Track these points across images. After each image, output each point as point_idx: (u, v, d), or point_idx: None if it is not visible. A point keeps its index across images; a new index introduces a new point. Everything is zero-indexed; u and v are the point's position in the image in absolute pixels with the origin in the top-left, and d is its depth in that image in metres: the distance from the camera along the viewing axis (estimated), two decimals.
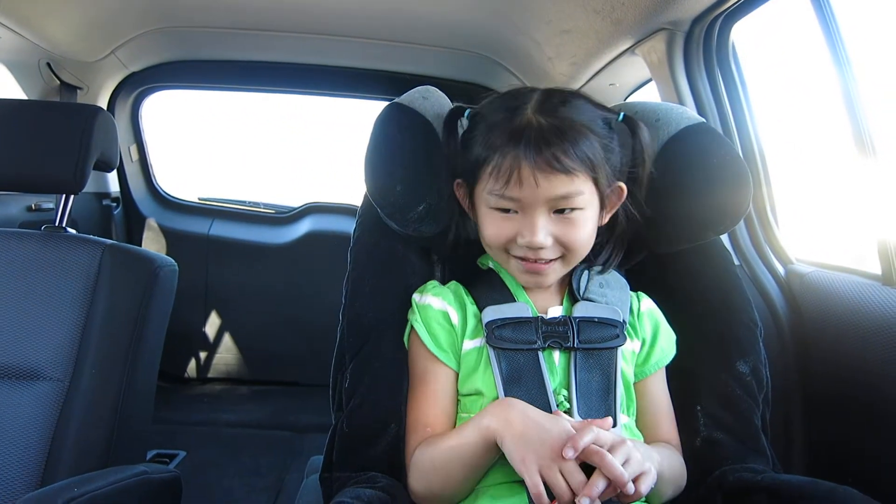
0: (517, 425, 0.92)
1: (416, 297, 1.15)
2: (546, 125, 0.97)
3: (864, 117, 1.33)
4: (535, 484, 0.86)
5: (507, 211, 1.02)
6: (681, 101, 1.71)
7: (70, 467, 1.32)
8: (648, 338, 1.13)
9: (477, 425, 0.95)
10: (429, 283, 1.17)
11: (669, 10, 1.55)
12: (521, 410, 0.94)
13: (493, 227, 1.04)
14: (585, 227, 1.02)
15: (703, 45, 1.68)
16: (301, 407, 3.02)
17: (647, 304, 1.17)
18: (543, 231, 0.99)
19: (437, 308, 1.11)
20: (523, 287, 1.12)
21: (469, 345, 1.09)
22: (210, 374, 3.25)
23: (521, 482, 0.90)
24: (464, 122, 1.13)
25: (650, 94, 2.07)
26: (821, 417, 1.51)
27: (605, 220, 1.10)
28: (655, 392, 1.13)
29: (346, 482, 1.06)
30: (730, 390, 1.16)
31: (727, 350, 1.18)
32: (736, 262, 1.33)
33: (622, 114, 1.09)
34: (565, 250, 1.03)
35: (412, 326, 1.12)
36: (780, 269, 1.65)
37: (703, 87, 1.70)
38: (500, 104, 1.06)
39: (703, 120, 1.24)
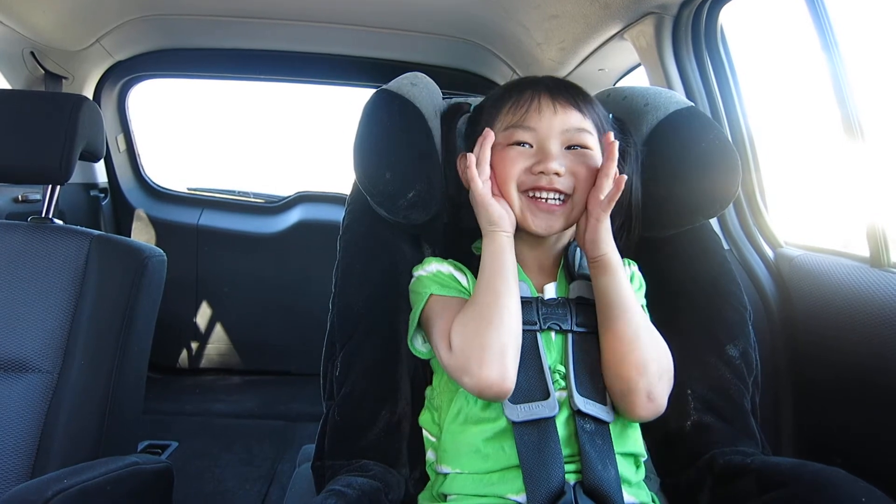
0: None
1: (417, 270, 1.13)
2: (560, 81, 1.10)
3: (853, 101, 1.33)
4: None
5: (522, 145, 1.06)
6: (669, 86, 1.71)
7: (60, 458, 1.31)
8: None
9: (486, 251, 1.03)
10: (427, 258, 1.15)
11: None
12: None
13: (508, 161, 1.06)
14: (593, 163, 1.06)
15: (691, 28, 1.68)
16: (293, 396, 3.02)
17: (629, 270, 1.16)
18: (558, 159, 1.04)
19: (446, 272, 1.10)
20: (519, 265, 1.09)
21: None
22: (201, 365, 3.24)
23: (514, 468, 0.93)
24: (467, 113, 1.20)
25: (639, 79, 2.06)
26: (810, 399, 1.52)
27: None
28: None
29: (338, 470, 1.06)
30: (720, 374, 1.17)
31: (717, 334, 1.19)
32: (725, 245, 1.34)
33: (612, 115, 1.17)
34: (575, 183, 1.05)
35: (426, 300, 1.07)
36: (770, 253, 1.66)
37: (691, 71, 1.71)
38: (506, 85, 1.16)
39: (692, 104, 1.24)
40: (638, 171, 1.16)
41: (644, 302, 1.15)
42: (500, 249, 1.02)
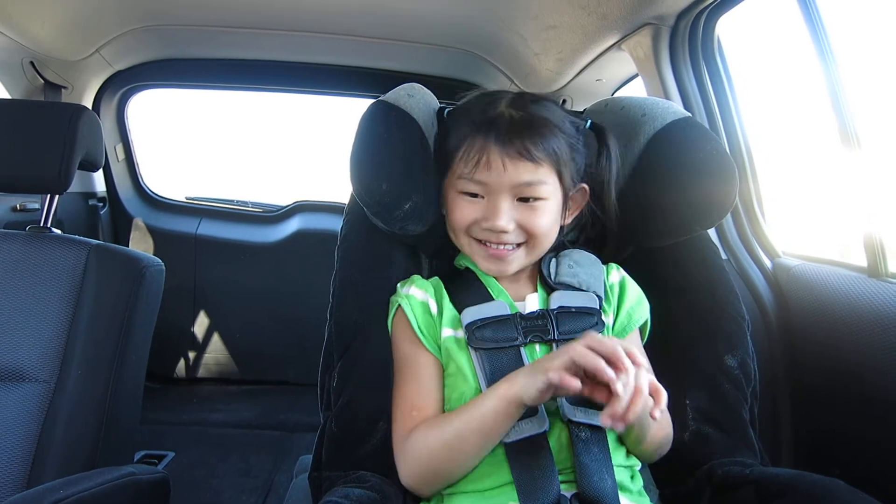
0: (525, 368, 0.95)
1: (400, 286, 1.16)
2: (517, 117, 1.04)
3: (850, 111, 1.33)
4: (559, 373, 0.86)
5: (473, 196, 1.07)
6: (667, 96, 1.72)
7: (57, 469, 1.31)
8: (615, 304, 1.14)
9: (495, 394, 0.95)
10: (413, 276, 1.18)
11: (655, 5, 1.55)
12: (531, 364, 0.96)
13: (458, 211, 1.09)
14: (547, 215, 1.06)
15: (688, 39, 1.69)
16: (290, 406, 3.01)
17: (615, 276, 1.17)
18: (506, 215, 1.04)
19: (420, 298, 1.12)
20: (496, 279, 1.13)
21: (447, 332, 1.09)
22: (199, 374, 3.23)
23: (508, 484, 0.94)
24: (444, 120, 1.18)
25: (637, 90, 2.07)
26: (808, 409, 1.51)
27: (569, 220, 1.14)
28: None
29: (335, 481, 1.06)
30: (718, 384, 1.17)
31: (715, 344, 1.19)
32: (723, 255, 1.34)
33: (589, 120, 1.16)
34: (528, 236, 1.07)
35: (398, 307, 1.12)
36: (768, 263, 1.66)
37: (688, 81, 1.71)
38: (476, 101, 1.13)
39: (690, 114, 1.25)
40: (613, 175, 1.15)
41: (647, 317, 1.16)
42: (504, 414, 0.95)
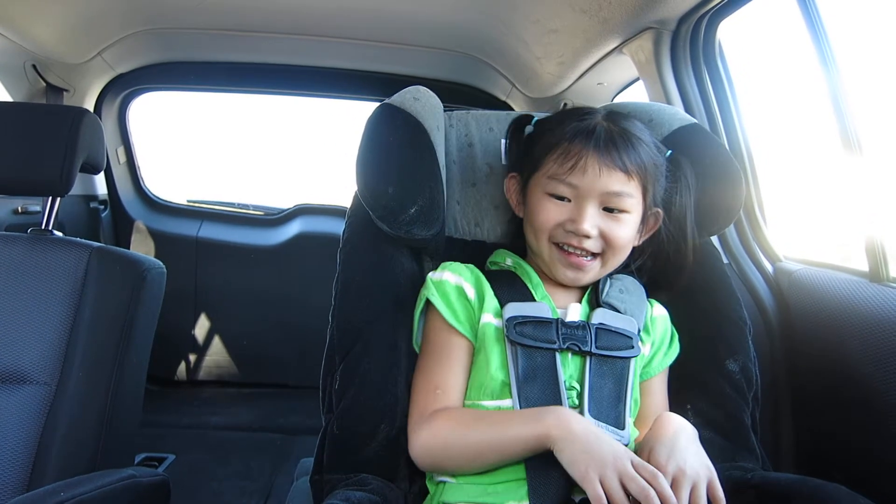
0: (580, 438, 0.92)
1: (431, 274, 1.16)
2: (615, 130, 1.07)
3: (851, 115, 1.33)
4: (598, 496, 0.87)
5: (561, 199, 1.08)
6: (668, 100, 1.72)
7: (57, 471, 1.30)
8: (657, 341, 1.16)
9: (533, 428, 0.95)
10: (444, 263, 1.18)
11: (656, 9, 1.55)
12: (584, 423, 0.95)
13: (544, 212, 1.09)
14: (628, 228, 1.09)
15: (689, 43, 1.69)
16: (291, 409, 3.01)
17: (659, 310, 1.19)
18: (591, 220, 1.06)
19: (453, 283, 1.12)
20: (542, 283, 1.14)
21: (488, 318, 1.10)
22: (199, 377, 3.23)
23: (518, 480, 0.95)
24: (529, 128, 1.21)
25: (638, 94, 2.07)
26: (809, 414, 1.51)
27: (641, 240, 1.16)
28: (656, 392, 1.16)
29: (336, 484, 1.06)
30: (719, 389, 1.17)
31: (716, 349, 1.19)
32: (725, 260, 1.34)
33: (671, 151, 1.17)
34: (606, 246, 1.08)
35: (427, 301, 1.13)
36: (769, 267, 1.66)
37: (690, 85, 1.71)
38: (570, 113, 1.15)
39: (696, 121, 1.25)
40: (691, 209, 1.17)
41: (676, 355, 1.18)
42: (531, 450, 0.96)
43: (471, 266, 1.17)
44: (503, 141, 1.27)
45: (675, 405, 1.16)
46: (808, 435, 1.52)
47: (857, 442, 1.36)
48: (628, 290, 1.16)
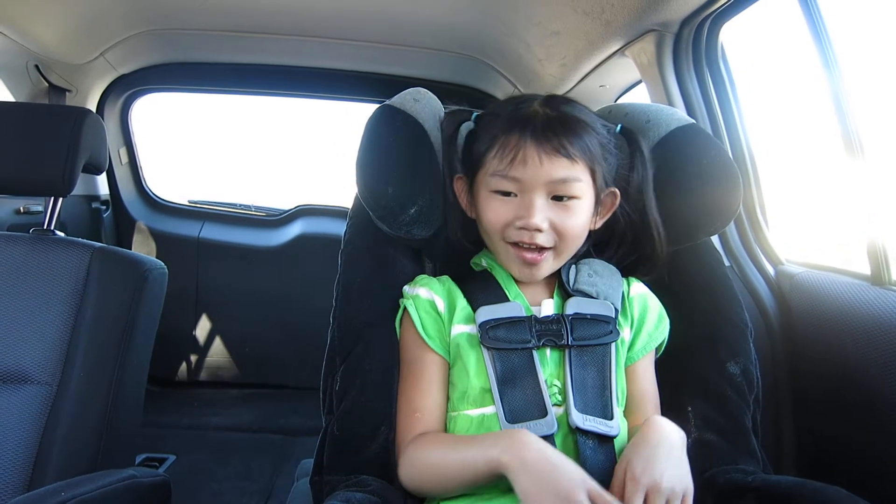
0: (533, 466, 0.88)
1: (406, 288, 1.16)
2: (552, 115, 1.04)
3: (853, 118, 1.33)
4: None
5: (507, 195, 1.05)
6: (670, 102, 1.72)
7: (58, 471, 1.31)
8: (636, 322, 1.14)
9: (486, 454, 0.92)
10: (418, 276, 1.18)
11: (658, 12, 1.55)
12: (539, 450, 0.90)
13: (492, 211, 1.07)
14: (580, 216, 1.05)
15: (692, 46, 1.69)
16: (292, 410, 3.01)
17: (636, 289, 1.17)
18: (541, 213, 1.02)
19: (425, 297, 1.12)
20: (515, 282, 1.13)
21: (459, 329, 1.09)
22: (200, 378, 3.23)
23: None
24: (469, 124, 1.17)
25: (641, 96, 2.07)
26: (810, 417, 1.51)
27: (598, 223, 1.13)
28: (641, 377, 1.14)
29: (336, 485, 1.06)
30: (720, 391, 1.16)
31: (718, 351, 1.18)
32: (726, 262, 1.34)
33: (620, 125, 1.15)
34: (558, 238, 1.05)
35: (405, 309, 1.12)
36: (770, 270, 1.66)
37: (692, 88, 1.71)
38: (506, 103, 1.12)
39: (694, 121, 1.25)
40: (649, 182, 1.14)
41: (665, 337, 1.16)
42: (487, 477, 0.93)
43: (443, 278, 1.17)
44: None
45: (676, 407, 1.15)
46: (809, 438, 1.52)
47: (858, 445, 1.36)
48: (598, 272, 1.15)
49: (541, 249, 1.06)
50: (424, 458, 1.03)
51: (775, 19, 1.64)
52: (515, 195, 1.04)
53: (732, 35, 1.69)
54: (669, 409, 1.15)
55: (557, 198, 1.03)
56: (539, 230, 1.03)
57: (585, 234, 1.10)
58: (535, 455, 0.89)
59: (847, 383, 1.36)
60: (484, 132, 1.10)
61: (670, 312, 1.19)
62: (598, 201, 1.09)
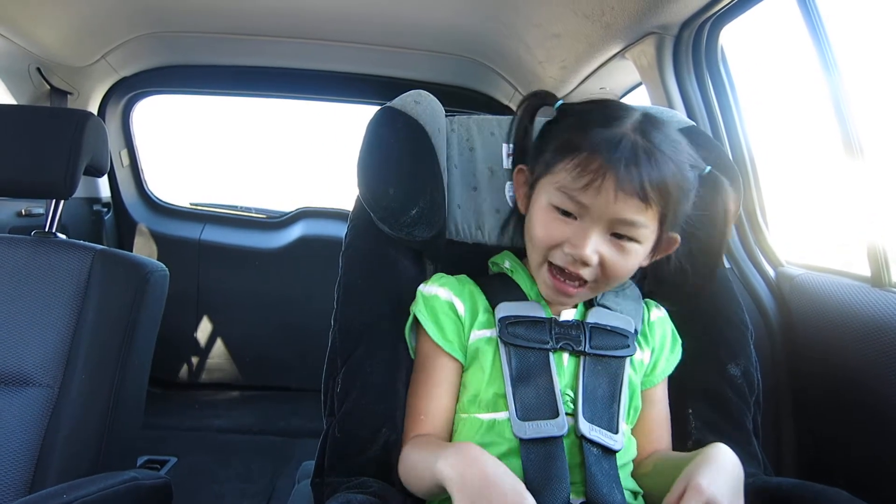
0: (470, 482, 0.83)
1: (421, 287, 1.13)
2: (642, 146, 0.93)
3: (853, 120, 1.33)
4: None
5: (567, 215, 0.98)
6: (671, 105, 1.72)
7: (59, 473, 1.31)
8: (657, 347, 1.13)
9: (436, 465, 0.87)
10: (435, 274, 1.16)
11: (659, 15, 1.56)
12: (481, 468, 0.84)
13: (545, 227, 1.01)
14: (634, 260, 0.99)
15: (692, 48, 1.69)
16: (292, 412, 3.01)
17: (657, 314, 1.16)
18: (594, 246, 0.96)
19: (444, 298, 1.10)
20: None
21: (478, 334, 1.08)
22: (201, 380, 3.23)
23: None
24: (548, 113, 1.11)
25: (641, 98, 2.08)
26: (811, 418, 1.51)
27: (648, 262, 1.07)
28: (657, 400, 1.14)
29: (337, 487, 1.06)
30: (721, 393, 1.16)
31: (718, 353, 1.18)
32: (726, 264, 1.34)
33: (709, 167, 1.06)
34: (601, 276, 0.99)
35: (415, 317, 1.11)
36: (771, 272, 1.66)
37: (692, 90, 1.71)
38: (597, 107, 1.04)
39: (694, 123, 1.25)
40: (727, 233, 1.09)
41: (679, 359, 1.15)
42: (438, 488, 0.89)
43: (462, 277, 1.15)
44: (504, 145, 1.27)
45: (677, 409, 1.16)
46: (810, 440, 1.52)
47: (858, 446, 1.36)
48: (623, 292, 1.14)
49: (580, 282, 1.01)
50: (407, 459, 1.04)
51: (775, 22, 1.64)
52: (575, 218, 0.97)
53: (732, 37, 1.70)
54: (670, 410, 1.15)
55: (617, 235, 0.97)
56: (587, 264, 0.97)
57: (630, 275, 1.03)
58: (474, 472, 0.84)
59: (847, 385, 1.36)
60: (564, 133, 1.01)
61: (670, 314, 1.19)
62: (658, 245, 1.02)
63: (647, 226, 0.96)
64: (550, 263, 1.02)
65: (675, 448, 1.13)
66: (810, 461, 1.52)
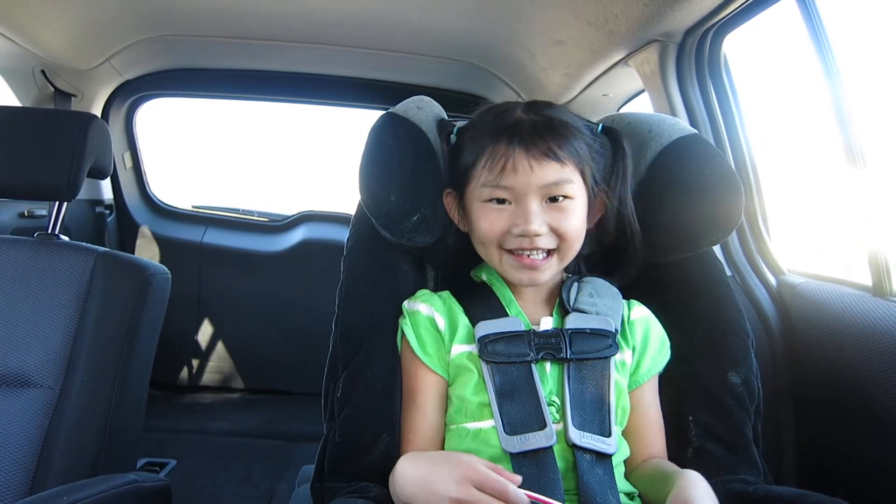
0: (408, 483, 0.94)
1: (405, 303, 1.15)
2: (537, 120, 1.04)
3: (855, 129, 1.34)
4: None
5: (501, 202, 1.05)
6: (673, 112, 1.72)
7: (60, 475, 1.31)
8: (639, 346, 1.13)
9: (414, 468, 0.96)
10: (419, 290, 1.18)
11: (662, 22, 1.56)
12: (401, 483, 0.95)
13: (486, 221, 1.06)
14: (576, 215, 1.05)
15: (695, 56, 1.69)
16: (293, 415, 3.01)
17: (638, 312, 1.16)
18: (538, 218, 1.02)
19: (425, 314, 1.12)
20: (515, 298, 1.13)
21: (459, 349, 1.09)
22: (202, 383, 3.23)
23: None
24: (452, 138, 1.17)
25: (643, 105, 2.08)
26: (812, 426, 1.51)
27: (593, 222, 1.13)
28: (646, 402, 1.13)
29: (337, 492, 1.06)
30: (722, 401, 1.16)
31: (719, 360, 1.18)
32: (728, 272, 1.34)
33: (601, 125, 1.15)
34: (559, 240, 1.05)
35: (402, 331, 1.13)
36: (772, 280, 1.65)
37: (695, 98, 1.72)
38: (488, 112, 1.13)
39: (696, 131, 1.25)
40: (626, 183, 1.14)
41: (668, 359, 1.16)
42: None
43: (444, 294, 1.17)
44: None
45: (677, 416, 1.15)
46: (811, 448, 1.51)
47: (859, 454, 1.36)
48: (598, 293, 1.15)
49: (547, 253, 1.06)
50: (394, 474, 1.03)
51: (778, 30, 1.65)
52: (510, 202, 1.04)
53: (735, 45, 1.70)
54: (670, 417, 1.15)
55: (552, 199, 1.04)
56: (538, 234, 1.02)
57: (583, 233, 1.09)
58: (409, 469, 0.96)
59: (848, 393, 1.36)
60: (468, 145, 1.10)
61: (672, 321, 1.19)
62: (590, 202, 1.09)
63: (571, 180, 1.04)
64: (507, 251, 1.07)
65: (674, 456, 1.13)
66: (811, 469, 1.51)
